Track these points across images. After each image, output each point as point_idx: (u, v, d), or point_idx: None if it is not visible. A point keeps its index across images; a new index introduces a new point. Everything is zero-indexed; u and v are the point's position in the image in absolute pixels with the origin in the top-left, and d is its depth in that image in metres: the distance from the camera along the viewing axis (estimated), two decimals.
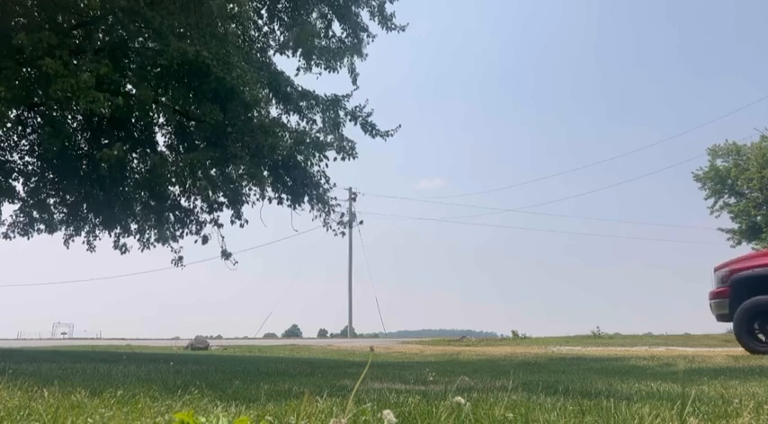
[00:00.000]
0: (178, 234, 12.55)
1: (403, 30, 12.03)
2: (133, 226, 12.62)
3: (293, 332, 67.04)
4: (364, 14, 11.91)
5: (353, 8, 11.77)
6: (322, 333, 54.56)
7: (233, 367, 6.45)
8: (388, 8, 11.83)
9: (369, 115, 11.68)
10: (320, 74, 12.04)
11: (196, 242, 12.45)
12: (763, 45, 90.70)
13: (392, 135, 11.93)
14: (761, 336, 8.16)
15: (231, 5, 10.16)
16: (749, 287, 8.17)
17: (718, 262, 8.93)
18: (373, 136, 11.75)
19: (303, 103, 11.37)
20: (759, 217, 38.49)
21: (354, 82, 12.09)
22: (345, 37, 12.06)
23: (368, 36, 12.01)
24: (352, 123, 11.60)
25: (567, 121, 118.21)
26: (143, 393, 3.28)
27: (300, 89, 11.48)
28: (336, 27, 12.13)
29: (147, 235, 12.62)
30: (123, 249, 12.58)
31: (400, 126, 12.09)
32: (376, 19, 11.84)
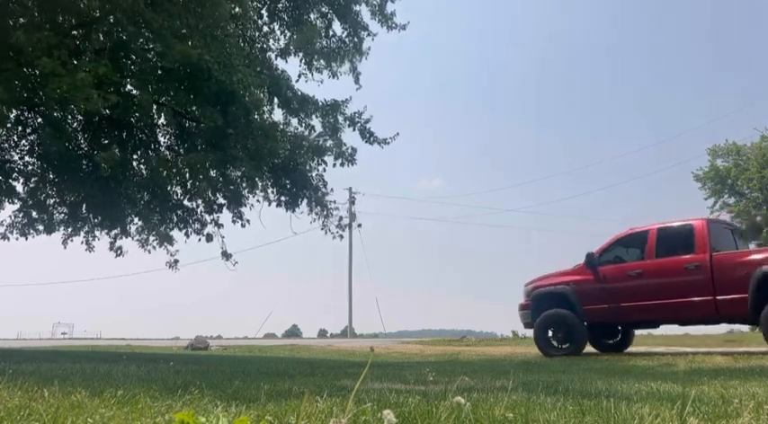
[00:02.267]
0: (183, 233, 12.56)
1: (404, 29, 12.04)
2: (133, 227, 12.63)
3: (293, 332, 67.07)
4: (365, 13, 11.93)
5: (354, 7, 11.77)
6: (322, 333, 54.57)
7: (233, 367, 6.45)
8: (389, 7, 11.84)
9: (367, 121, 11.65)
10: (321, 82, 12.05)
11: (200, 240, 12.48)
12: (764, 44, 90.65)
13: (389, 143, 11.94)
14: (554, 342, 9.67)
15: (232, 6, 10.15)
16: (545, 301, 9.80)
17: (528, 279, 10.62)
18: (371, 144, 11.74)
19: (301, 108, 11.37)
20: (759, 217, 38.48)
21: (357, 81, 12.10)
22: (346, 36, 12.06)
23: (368, 35, 12.01)
24: (351, 129, 11.61)
25: (566, 121, 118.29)
26: (143, 393, 3.28)
27: (300, 94, 11.47)
28: (337, 27, 12.15)
29: (144, 236, 12.62)
30: (119, 251, 12.60)
31: (398, 134, 12.11)
32: (376, 18, 11.83)
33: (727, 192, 40.11)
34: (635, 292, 9.02)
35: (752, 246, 9.41)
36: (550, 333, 9.66)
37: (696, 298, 8.51)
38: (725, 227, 9.71)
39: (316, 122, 11.54)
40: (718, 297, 8.38)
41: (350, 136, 11.68)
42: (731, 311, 8.48)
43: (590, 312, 9.37)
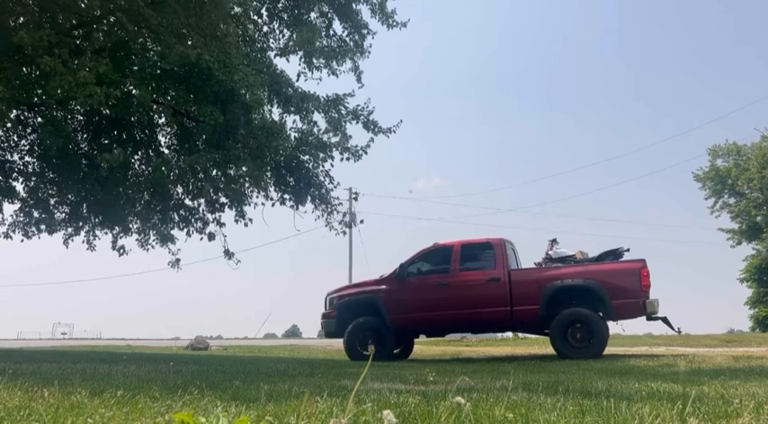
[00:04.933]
0: (184, 232, 12.58)
1: (405, 27, 12.06)
2: (134, 227, 12.62)
3: (293, 332, 67.16)
4: (365, 12, 11.95)
5: (354, 6, 11.78)
6: (322, 333, 54.41)
7: (233, 368, 6.45)
8: (389, 5, 11.88)
9: (370, 113, 11.78)
10: (320, 79, 12.09)
11: (202, 239, 12.53)
12: (764, 45, 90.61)
13: (394, 131, 12.06)
14: (363, 350, 9.87)
15: (232, 5, 10.15)
16: (353, 310, 10.06)
17: (332, 288, 10.76)
18: (375, 134, 11.86)
19: (303, 105, 11.40)
20: (759, 217, 38.51)
21: (359, 79, 12.12)
22: (346, 35, 12.08)
23: (368, 33, 12.03)
24: (354, 122, 11.68)
25: (566, 121, 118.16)
26: (143, 393, 3.28)
27: (300, 91, 11.51)
28: (337, 26, 12.17)
29: (146, 235, 12.62)
30: (122, 250, 12.57)
31: (401, 121, 12.23)
32: (377, 16, 11.86)
33: (728, 192, 40.11)
34: (441, 302, 9.63)
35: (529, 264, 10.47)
36: (360, 340, 9.91)
37: (495, 308, 9.39)
38: (511, 246, 10.54)
39: (318, 118, 11.62)
40: (515, 308, 9.33)
41: (353, 130, 11.75)
42: (525, 319, 9.51)
43: (398, 320, 9.76)
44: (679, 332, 10.37)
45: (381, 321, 9.81)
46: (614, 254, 9.82)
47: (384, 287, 10.07)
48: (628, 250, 9.81)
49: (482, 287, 9.51)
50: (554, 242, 10.48)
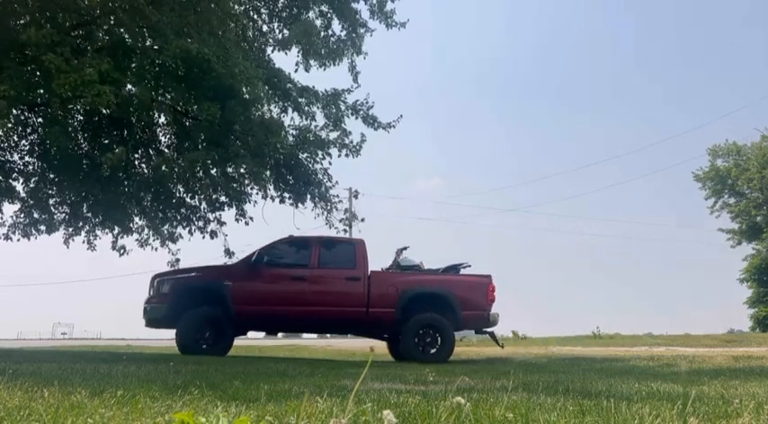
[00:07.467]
0: (186, 230, 12.59)
1: (404, 27, 12.08)
2: (135, 226, 12.63)
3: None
4: (364, 12, 11.97)
5: (353, 5, 11.80)
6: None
7: (233, 368, 6.44)
8: (389, 5, 11.89)
9: (370, 108, 11.80)
10: (324, 68, 12.10)
11: (204, 237, 12.54)
12: (765, 44, 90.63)
13: (394, 126, 12.07)
14: (200, 341, 8.99)
15: (233, 4, 10.16)
16: (191, 296, 9.04)
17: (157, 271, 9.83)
18: (375, 129, 11.91)
19: (302, 100, 11.40)
20: (759, 217, 38.54)
21: (356, 79, 12.13)
22: (345, 35, 12.09)
23: (366, 31, 12.05)
24: (354, 117, 11.71)
25: (567, 121, 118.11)
26: (143, 393, 3.28)
27: (299, 85, 11.52)
28: (336, 25, 12.19)
29: (145, 235, 12.64)
30: (122, 250, 12.58)
31: (402, 116, 12.25)
32: (376, 16, 11.88)
33: (728, 192, 40.16)
34: (296, 297, 9.13)
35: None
36: (197, 332, 8.98)
37: (351, 308, 9.16)
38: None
39: (317, 113, 11.63)
40: (371, 309, 9.14)
41: (353, 126, 11.79)
42: (379, 321, 9.31)
43: (245, 312, 9.00)
44: (502, 347, 10.67)
45: (224, 311, 8.89)
46: (455, 268, 10.05)
47: (232, 274, 9.28)
48: (469, 265, 10.02)
49: (341, 285, 9.24)
50: (402, 250, 10.43)
